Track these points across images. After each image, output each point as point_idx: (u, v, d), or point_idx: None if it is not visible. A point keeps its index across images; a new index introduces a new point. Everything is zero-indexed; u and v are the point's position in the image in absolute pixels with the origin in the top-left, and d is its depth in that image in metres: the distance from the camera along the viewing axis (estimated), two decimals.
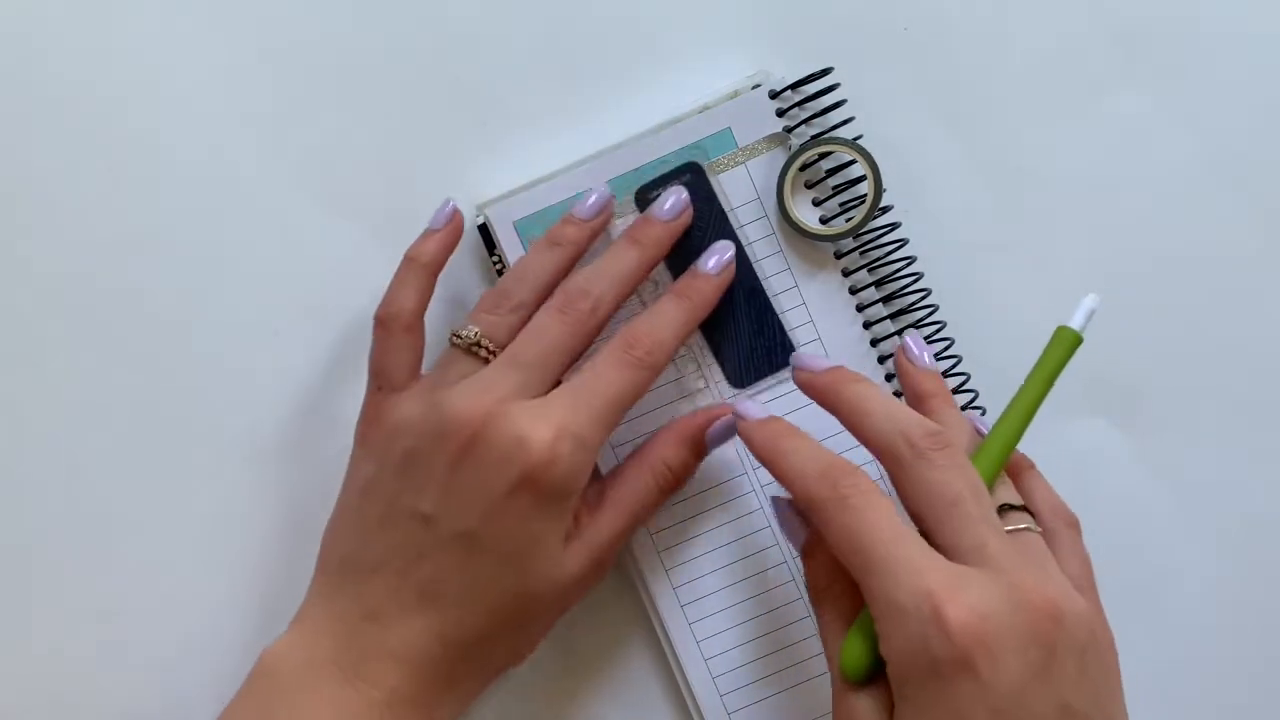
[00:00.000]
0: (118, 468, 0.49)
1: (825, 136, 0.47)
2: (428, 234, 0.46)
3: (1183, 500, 0.50)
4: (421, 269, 0.46)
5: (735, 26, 0.49)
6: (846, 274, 0.48)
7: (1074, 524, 0.42)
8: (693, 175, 0.47)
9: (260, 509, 0.49)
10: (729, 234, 0.47)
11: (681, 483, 0.46)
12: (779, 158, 0.47)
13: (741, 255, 0.47)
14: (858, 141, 0.47)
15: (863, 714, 0.38)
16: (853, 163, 0.47)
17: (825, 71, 0.47)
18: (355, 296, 0.49)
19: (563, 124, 0.49)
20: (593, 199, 0.46)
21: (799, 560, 0.47)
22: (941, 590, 0.35)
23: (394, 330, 0.45)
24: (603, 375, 0.43)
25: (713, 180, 0.47)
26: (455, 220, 0.46)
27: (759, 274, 0.48)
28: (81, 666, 0.48)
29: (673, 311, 0.45)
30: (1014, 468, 0.43)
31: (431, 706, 0.42)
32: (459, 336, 0.44)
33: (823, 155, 0.47)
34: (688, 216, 0.47)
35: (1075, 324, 0.42)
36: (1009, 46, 0.49)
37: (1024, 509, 0.41)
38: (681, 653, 0.48)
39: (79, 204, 0.49)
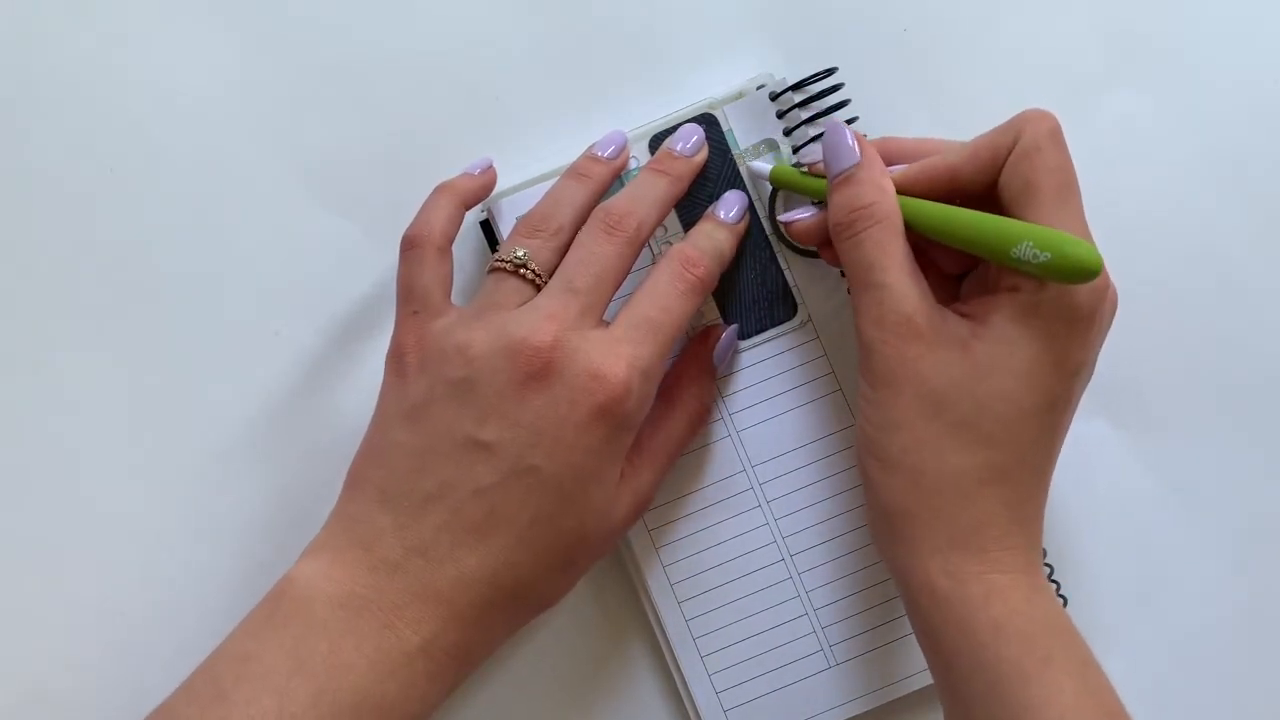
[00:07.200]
0: (118, 467, 0.49)
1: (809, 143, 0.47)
2: (461, 174, 0.46)
3: (1183, 500, 0.50)
4: (452, 198, 0.45)
5: (737, 28, 0.49)
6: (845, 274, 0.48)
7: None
8: (707, 127, 0.47)
9: (260, 508, 0.49)
10: (740, 187, 0.47)
11: (711, 413, 0.47)
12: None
13: (749, 207, 0.47)
14: None
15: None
16: None
17: (829, 72, 0.47)
18: (354, 296, 0.49)
19: (565, 122, 0.49)
20: (611, 140, 0.46)
21: (795, 560, 0.47)
22: None
23: (427, 250, 0.43)
24: (664, 302, 0.42)
25: (725, 134, 0.47)
26: (489, 172, 0.46)
27: (764, 229, 0.48)
28: (82, 666, 0.48)
29: (718, 234, 0.45)
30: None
31: (463, 655, 0.41)
32: (503, 260, 0.43)
33: None
34: (704, 156, 0.46)
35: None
36: (1008, 47, 0.50)
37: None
38: (678, 649, 0.47)
39: (78, 204, 0.49)
